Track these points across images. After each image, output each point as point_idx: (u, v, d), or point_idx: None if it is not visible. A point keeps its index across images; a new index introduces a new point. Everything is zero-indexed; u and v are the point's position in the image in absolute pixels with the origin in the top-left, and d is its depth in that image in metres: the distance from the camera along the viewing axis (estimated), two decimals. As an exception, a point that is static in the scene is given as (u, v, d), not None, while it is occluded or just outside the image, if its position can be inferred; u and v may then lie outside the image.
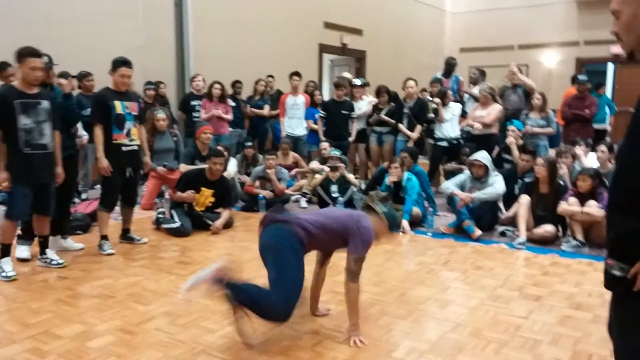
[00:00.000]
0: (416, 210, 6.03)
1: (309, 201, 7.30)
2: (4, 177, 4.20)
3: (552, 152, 6.93)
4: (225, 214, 5.97)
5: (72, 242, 5.08)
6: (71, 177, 4.97)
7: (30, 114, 4.21)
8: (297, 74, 8.80)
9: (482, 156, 5.87)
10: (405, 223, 5.81)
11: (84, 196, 7.02)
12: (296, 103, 8.69)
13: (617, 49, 11.46)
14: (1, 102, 4.14)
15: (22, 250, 4.70)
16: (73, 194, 5.41)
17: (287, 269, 2.98)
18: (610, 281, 1.64)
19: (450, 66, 9.39)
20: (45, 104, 4.30)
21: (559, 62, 13.36)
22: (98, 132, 4.91)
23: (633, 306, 1.63)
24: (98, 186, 6.54)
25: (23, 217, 4.42)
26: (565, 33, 13.46)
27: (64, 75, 6.56)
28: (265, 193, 6.99)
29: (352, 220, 3.15)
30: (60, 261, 4.55)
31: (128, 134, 5.02)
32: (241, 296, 2.94)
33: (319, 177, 6.85)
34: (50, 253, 4.60)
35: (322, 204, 6.79)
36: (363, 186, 7.26)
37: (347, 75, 9.68)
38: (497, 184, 5.71)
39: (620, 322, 1.71)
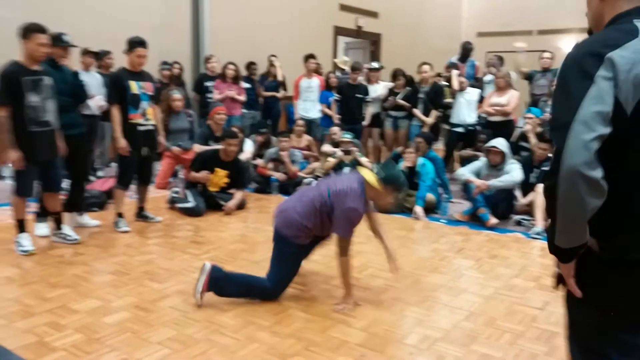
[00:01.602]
0: (430, 196, 5.99)
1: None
2: (16, 156, 4.08)
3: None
4: (238, 195, 5.98)
5: (89, 219, 5.13)
6: (83, 155, 4.98)
7: (37, 91, 4.14)
8: (312, 56, 8.74)
9: (500, 143, 5.79)
10: (419, 209, 5.79)
11: (100, 174, 7.06)
12: (310, 86, 8.62)
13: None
14: (12, 79, 4.04)
15: (40, 228, 4.75)
16: (88, 172, 5.42)
17: None
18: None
19: (466, 51, 9.25)
20: (47, 80, 4.24)
21: (579, 49, 13.17)
22: (115, 112, 4.92)
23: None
24: (113, 164, 6.56)
25: (29, 194, 4.32)
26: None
27: (85, 52, 6.61)
28: (278, 175, 6.99)
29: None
30: (76, 237, 4.58)
31: (144, 114, 5.03)
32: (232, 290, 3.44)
33: (332, 160, 6.83)
34: (66, 229, 4.63)
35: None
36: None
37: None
38: (514, 172, 5.64)
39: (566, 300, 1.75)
